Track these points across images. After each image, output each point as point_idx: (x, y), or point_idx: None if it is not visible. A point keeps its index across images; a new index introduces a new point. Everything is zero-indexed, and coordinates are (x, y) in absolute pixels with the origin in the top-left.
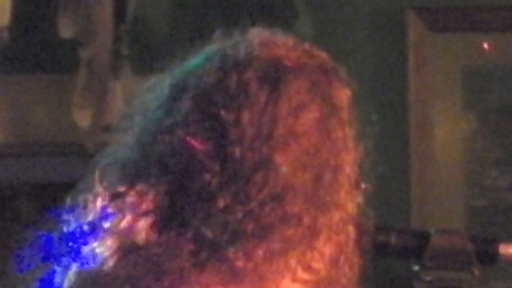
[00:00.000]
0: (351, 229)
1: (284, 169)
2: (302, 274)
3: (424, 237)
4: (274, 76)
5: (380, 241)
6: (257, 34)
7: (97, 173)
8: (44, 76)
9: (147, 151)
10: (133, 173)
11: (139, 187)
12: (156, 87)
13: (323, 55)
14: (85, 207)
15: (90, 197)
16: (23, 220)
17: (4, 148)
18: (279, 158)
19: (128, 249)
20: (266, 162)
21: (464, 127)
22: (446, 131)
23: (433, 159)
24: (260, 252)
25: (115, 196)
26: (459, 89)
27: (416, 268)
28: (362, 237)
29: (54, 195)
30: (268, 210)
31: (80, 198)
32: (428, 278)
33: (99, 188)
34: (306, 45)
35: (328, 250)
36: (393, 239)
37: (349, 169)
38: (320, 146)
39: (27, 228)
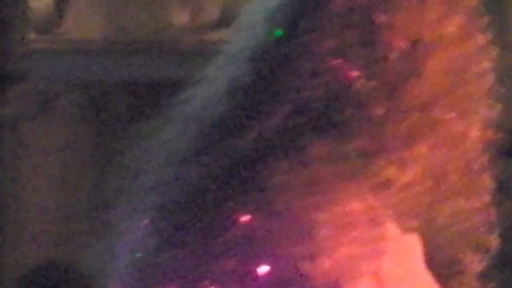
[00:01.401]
0: (487, 133)
1: (434, 75)
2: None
3: None
4: None
5: (508, 144)
6: None
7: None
8: None
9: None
10: (272, 70)
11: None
12: None
13: None
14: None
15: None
16: (119, 118)
17: (100, 45)
18: (429, 65)
19: (280, 156)
20: (418, 69)
21: None
22: None
23: None
24: (409, 161)
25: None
26: None
27: None
28: (493, 142)
29: (150, 93)
30: (420, 118)
31: (200, 91)
32: None
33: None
34: None
35: (465, 153)
36: None
37: (488, 75)
38: (464, 52)
39: (123, 126)
